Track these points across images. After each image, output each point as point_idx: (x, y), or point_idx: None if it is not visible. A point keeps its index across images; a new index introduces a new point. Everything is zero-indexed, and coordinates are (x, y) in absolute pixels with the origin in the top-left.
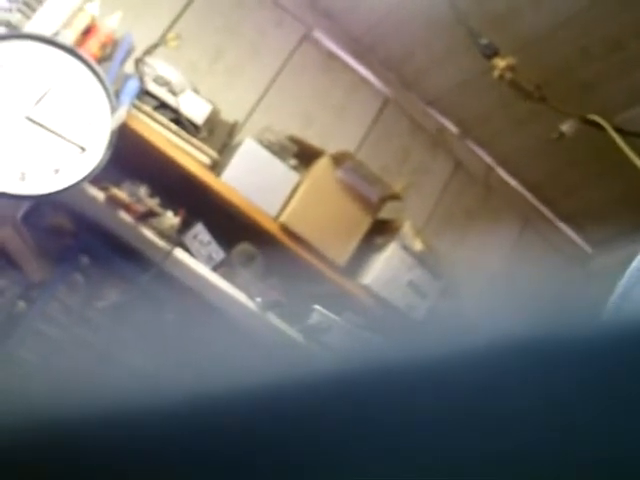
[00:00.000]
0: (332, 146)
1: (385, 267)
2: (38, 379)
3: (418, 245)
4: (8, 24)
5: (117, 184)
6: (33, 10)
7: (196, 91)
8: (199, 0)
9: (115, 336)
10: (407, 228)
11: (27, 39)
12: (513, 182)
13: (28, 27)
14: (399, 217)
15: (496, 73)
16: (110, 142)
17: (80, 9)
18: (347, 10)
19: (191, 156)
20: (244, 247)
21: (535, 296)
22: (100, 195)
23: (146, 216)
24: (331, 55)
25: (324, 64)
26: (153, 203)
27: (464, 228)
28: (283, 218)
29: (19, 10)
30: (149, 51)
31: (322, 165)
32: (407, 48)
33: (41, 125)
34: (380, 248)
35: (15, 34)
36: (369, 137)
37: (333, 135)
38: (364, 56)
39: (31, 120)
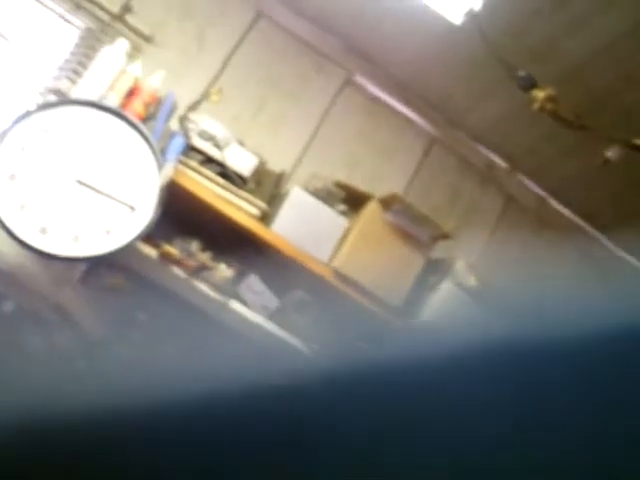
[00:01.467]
0: (380, 188)
1: (441, 305)
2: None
3: (473, 281)
4: (57, 91)
5: (169, 240)
6: (80, 76)
7: (241, 143)
8: (239, 54)
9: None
10: (460, 265)
11: (75, 105)
12: (567, 212)
13: (75, 92)
14: (452, 255)
15: (536, 105)
16: (159, 200)
17: (123, 71)
18: (386, 53)
19: (240, 208)
20: (298, 294)
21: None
22: (153, 252)
23: (199, 270)
24: (374, 98)
25: (367, 107)
26: (205, 257)
27: (520, 262)
28: (335, 263)
29: (67, 77)
30: (192, 107)
31: (371, 209)
32: (447, 86)
33: (91, 187)
34: (434, 287)
35: (63, 101)
36: (417, 177)
37: (380, 177)
38: (407, 97)
39: (82, 183)
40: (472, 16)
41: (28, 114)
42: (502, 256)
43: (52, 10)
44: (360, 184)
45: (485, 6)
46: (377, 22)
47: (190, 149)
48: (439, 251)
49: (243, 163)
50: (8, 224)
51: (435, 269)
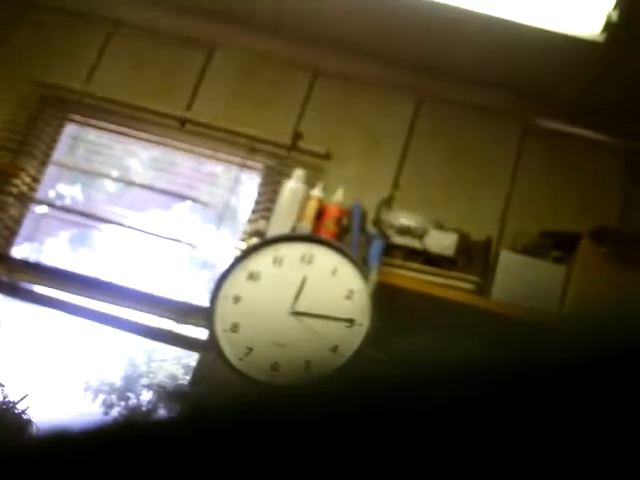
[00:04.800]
0: (593, 220)
1: None
2: None
3: None
4: (257, 233)
5: (396, 338)
6: (271, 212)
7: (440, 225)
8: (414, 140)
9: None
10: None
11: (274, 243)
12: None
13: (270, 230)
14: None
15: None
16: (372, 306)
17: (307, 198)
18: (551, 87)
19: (454, 288)
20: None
21: None
22: (380, 355)
23: None
24: (556, 133)
25: (554, 145)
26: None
27: None
28: (565, 311)
29: (262, 217)
30: (382, 207)
31: (584, 247)
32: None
33: (307, 314)
34: None
35: (266, 241)
36: (628, 202)
37: (591, 208)
38: (587, 119)
39: (296, 313)
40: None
41: (236, 261)
42: None
43: (230, 162)
44: (571, 223)
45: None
46: (537, 65)
47: (391, 248)
48: None
49: (445, 244)
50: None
51: None
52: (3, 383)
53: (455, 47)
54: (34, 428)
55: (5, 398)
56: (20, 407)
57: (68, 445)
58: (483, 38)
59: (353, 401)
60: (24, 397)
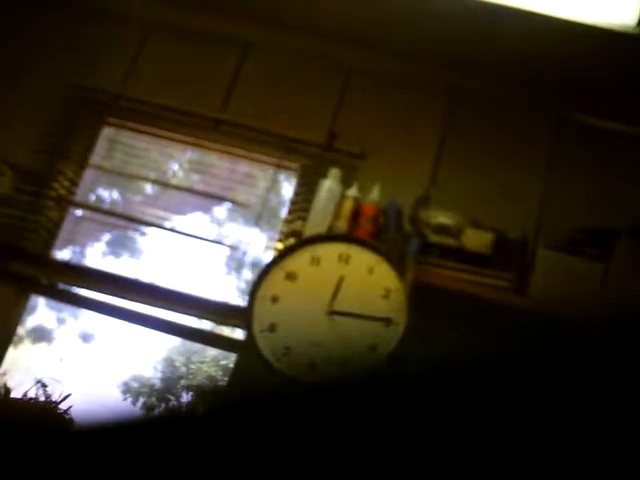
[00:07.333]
0: (628, 218)
1: None
2: None
3: None
4: (294, 233)
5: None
6: (308, 212)
7: (476, 222)
8: (450, 136)
9: None
10: None
11: (311, 243)
12: None
13: (307, 230)
14: None
15: None
16: (409, 305)
17: (343, 197)
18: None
19: (491, 286)
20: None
21: None
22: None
23: None
24: (594, 129)
25: (591, 139)
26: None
27: None
28: (604, 309)
29: (299, 218)
30: (416, 207)
31: (622, 243)
32: None
33: (344, 314)
34: None
35: (303, 241)
36: None
37: (626, 206)
38: (621, 111)
39: (334, 313)
40: None
41: (274, 262)
42: None
43: (265, 163)
44: (608, 219)
45: None
46: (572, 59)
47: (428, 246)
48: None
49: (480, 242)
50: None
51: None
52: (46, 383)
53: (488, 42)
54: (75, 426)
55: (48, 397)
56: (62, 406)
57: (106, 438)
58: (516, 32)
59: (388, 398)
60: (66, 396)
